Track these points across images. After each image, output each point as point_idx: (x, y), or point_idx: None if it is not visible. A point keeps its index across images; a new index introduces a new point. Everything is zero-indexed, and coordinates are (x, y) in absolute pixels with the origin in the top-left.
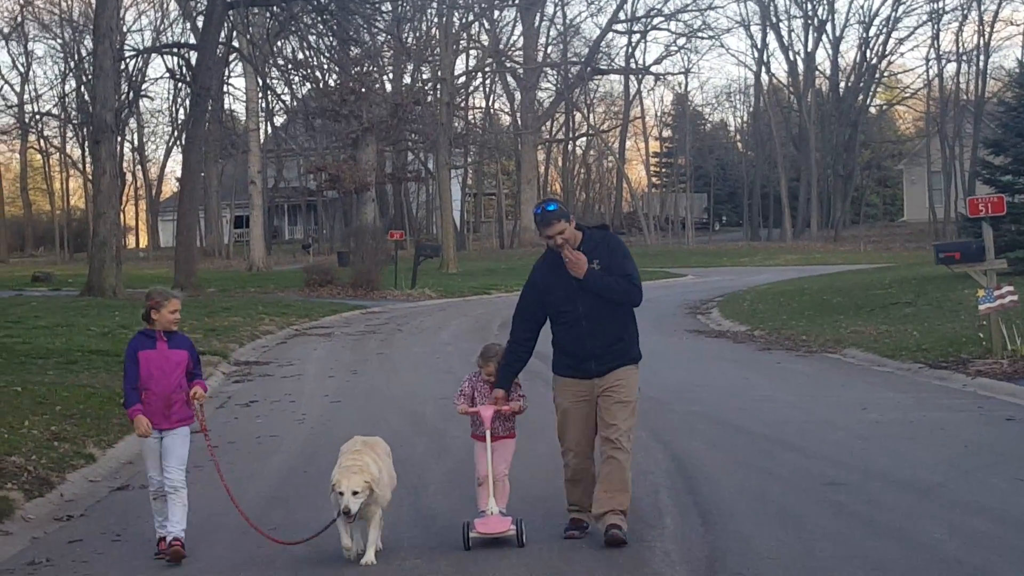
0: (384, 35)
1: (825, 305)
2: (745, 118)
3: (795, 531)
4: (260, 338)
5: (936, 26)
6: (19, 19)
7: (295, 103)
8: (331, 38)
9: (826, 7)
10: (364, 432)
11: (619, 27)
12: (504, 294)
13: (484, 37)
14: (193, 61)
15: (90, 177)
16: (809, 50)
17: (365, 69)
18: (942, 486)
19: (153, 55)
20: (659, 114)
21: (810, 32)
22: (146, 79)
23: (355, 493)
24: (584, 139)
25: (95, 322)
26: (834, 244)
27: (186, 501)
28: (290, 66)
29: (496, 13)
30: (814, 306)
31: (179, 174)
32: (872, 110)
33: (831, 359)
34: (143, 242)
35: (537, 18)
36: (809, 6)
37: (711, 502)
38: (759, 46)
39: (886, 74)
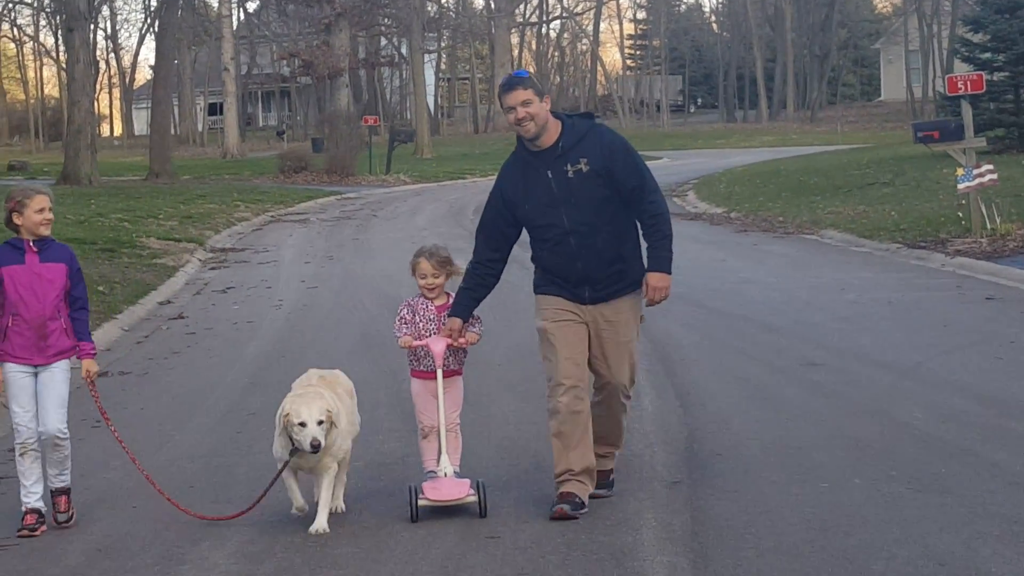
0: None
1: (802, 186)
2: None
3: (774, 412)
4: (235, 225)
5: None
6: None
7: None
8: None
9: None
10: (341, 315)
11: None
12: (479, 178)
13: None
14: None
15: (64, 66)
16: None
17: None
18: (921, 365)
19: None
20: None
21: None
22: None
23: (320, 423)
24: (558, 22)
25: (71, 210)
26: (811, 125)
27: (68, 451)
28: None
29: None
30: (791, 187)
31: (152, 62)
32: None
33: (808, 240)
34: (117, 130)
35: None
36: None
37: (689, 384)
38: None
39: None
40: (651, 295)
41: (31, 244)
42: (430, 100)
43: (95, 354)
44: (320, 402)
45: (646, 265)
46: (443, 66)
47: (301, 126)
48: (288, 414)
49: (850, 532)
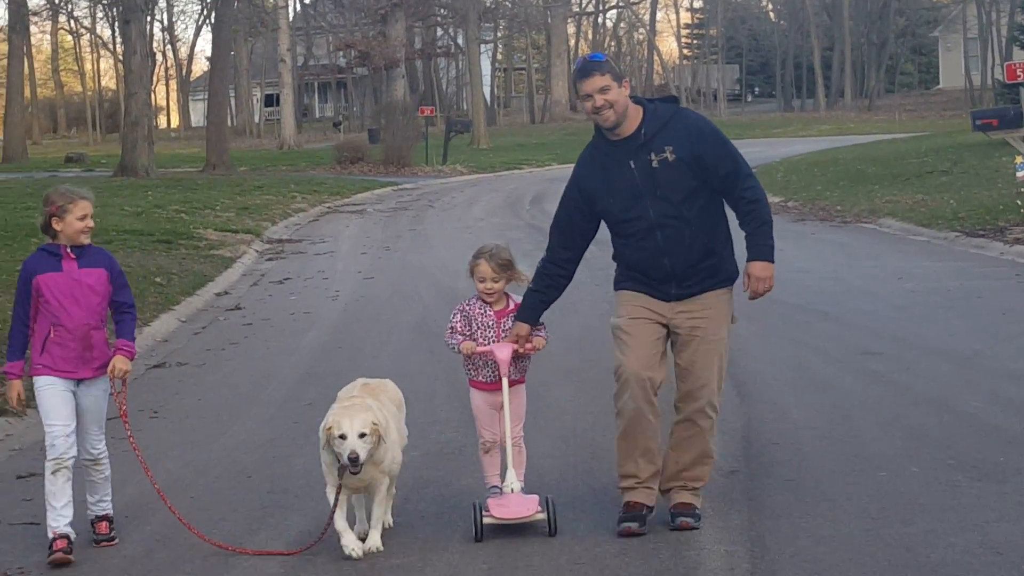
0: None
1: (860, 175)
2: None
3: (832, 401)
4: (292, 216)
5: None
6: None
7: None
8: None
9: None
10: (397, 306)
11: None
12: (536, 169)
13: None
14: None
15: (121, 58)
16: None
17: None
18: (980, 354)
19: None
20: None
21: None
22: None
23: (362, 435)
24: (614, 12)
25: (129, 202)
26: (868, 114)
27: (109, 471)
28: None
29: None
30: (848, 176)
31: (209, 53)
32: None
33: (866, 229)
34: (174, 122)
35: None
36: None
37: (745, 373)
38: None
39: None
40: (754, 286)
41: (68, 250)
42: (486, 90)
43: (133, 356)
44: (365, 415)
45: (747, 255)
46: (499, 56)
47: (357, 117)
48: (330, 427)
49: (908, 521)
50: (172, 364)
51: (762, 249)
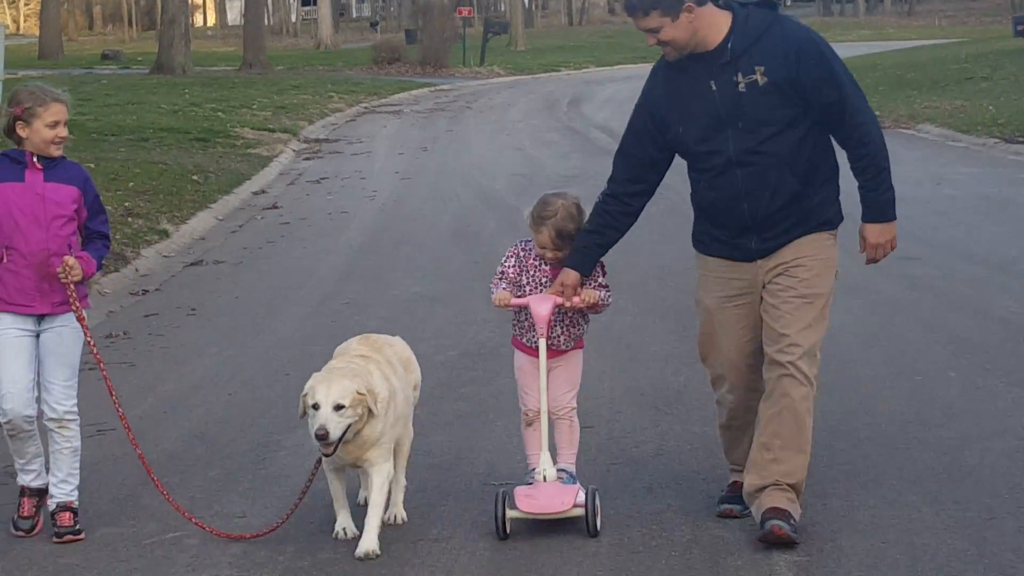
0: None
1: (899, 80)
2: None
3: (870, 305)
4: (329, 116)
5: None
6: None
7: None
8: None
9: None
10: (434, 207)
11: None
12: (573, 71)
13: None
14: None
15: None
16: None
17: None
18: (1018, 260)
19: None
20: None
21: None
22: None
23: (338, 408)
24: None
25: (165, 99)
26: (908, 19)
27: (78, 442)
28: None
29: None
30: (888, 82)
31: None
32: None
33: (905, 135)
34: (211, 20)
35: None
36: None
37: None
38: None
39: None
40: (871, 254)
41: (35, 159)
42: None
43: (90, 271)
44: (347, 382)
45: (861, 213)
46: None
47: (395, 17)
48: (306, 393)
49: (944, 424)
50: (209, 262)
51: (880, 206)
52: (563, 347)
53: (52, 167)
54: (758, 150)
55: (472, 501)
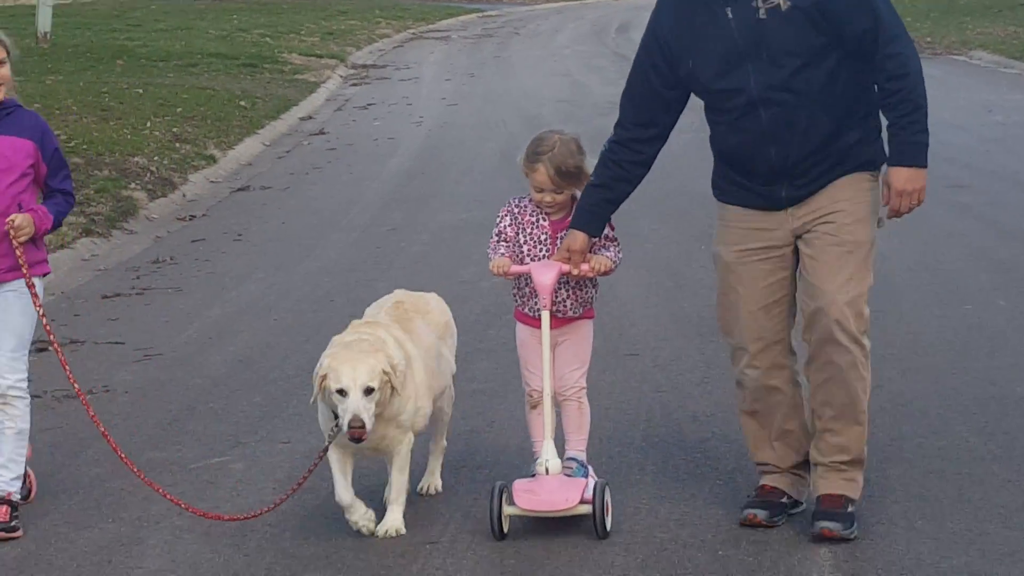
0: None
1: (951, 6)
2: None
3: (919, 234)
4: (377, 42)
5: None
6: None
7: None
8: None
9: None
10: (481, 133)
11: None
12: None
13: None
14: None
15: None
16: None
17: None
18: None
19: None
20: None
21: None
22: None
23: (368, 391)
24: None
25: (213, 25)
26: None
27: (25, 424)
28: None
29: None
30: (939, 7)
31: None
32: None
33: (957, 61)
34: None
35: None
36: None
37: None
38: None
39: None
40: (895, 203)
41: None
42: None
43: (43, 228)
44: (372, 359)
45: (888, 155)
46: None
47: None
48: (324, 376)
49: (993, 353)
50: (256, 188)
51: (910, 149)
52: (571, 313)
53: (4, 117)
54: (784, 86)
55: (519, 434)
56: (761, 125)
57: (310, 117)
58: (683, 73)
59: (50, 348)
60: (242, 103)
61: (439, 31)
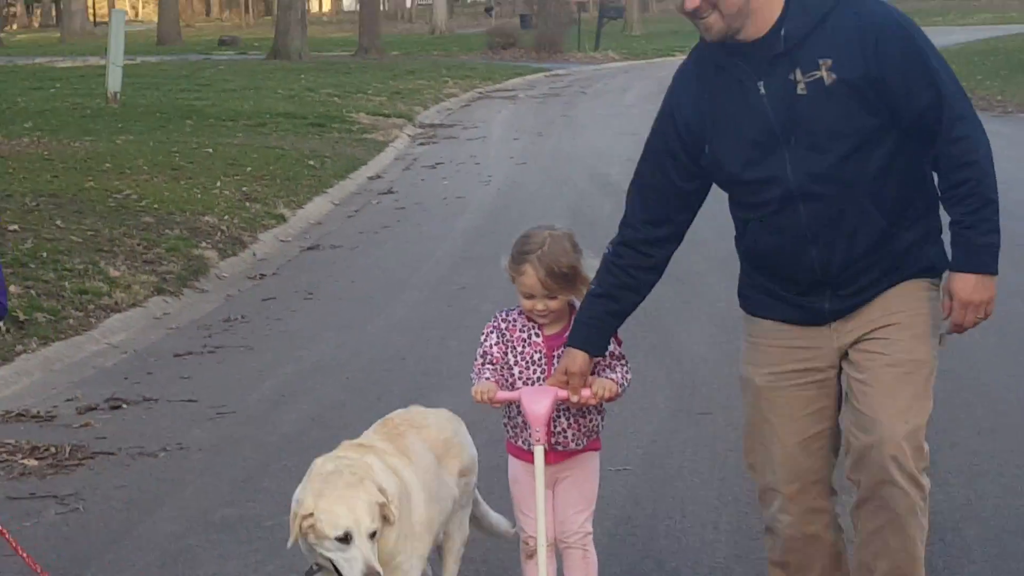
0: None
1: (1021, 64)
2: None
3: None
4: (444, 101)
5: None
6: None
7: None
8: None
9: None
10: (550, 192)
11: None
12: None
13: None
14: None
15: None
16: None
17: None
18: None
19: None
20: None
21: None
22: None
23: (373, 535)
24: None
25: (282, 85)
26: None
27: None
28: None
29: None
30: (1010, 65)
31: None
32: None
33: None
34: (326, 6)
35: None
36: None
37: None
38: None
39: None
40: (958, 316)
41: None
42: None
43: None
44: (364, 495)
45: (951, 257)
46: None
47: (509, 2)
48: (310, 515)
49: None
50: (325, 246)
51: (977, 251)
52: (573, 446)
53: None
54: (828, 176)
55: None
56: (800, 223)
57: (378, 176)
58: (705, 160)
59: (123, 406)
60: (311, 162)
61: (506, 90)
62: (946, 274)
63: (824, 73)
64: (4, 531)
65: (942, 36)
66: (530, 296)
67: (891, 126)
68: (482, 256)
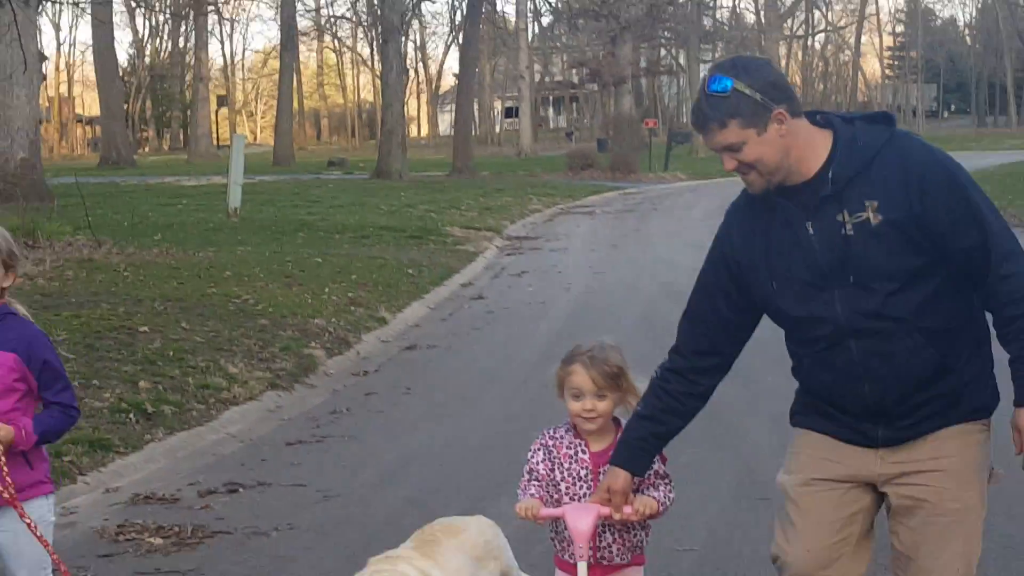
0: None
1: None
2: (974, 14)
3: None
4: (529, 216)
5: None
6: None
7: (560, 4)
8: None
9: None
10: (624, 297)
11: None
12: None
13: None
14: None
15: (378, 73)
16: None
17: None
18: None
19: None
20: (892, 11)
21: None
22: None
23: None
24: (822, 35)
25: (384, 201)
26: None
27: None
28: None
29: None
30: None
31: (456, 70)
32: None
33: None
34: (424, 131)
35: None
36: None
37: None
38: None
39: None
40: None
41: None
42: None
43: (27, 441)
44: None
45: (1014, 394)
46: None
47: (588, 128)
48: None
49: None
50: (422, 346)
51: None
52: (617, 560)
53: None
54: (877, 313)
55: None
56: (852, 359)
57: (470, 283)
58: (758, 295)
59: (240, 490)
60: (409, 271)
61: (585, 207)
62: (998, 409)
63: (870, 214)
64: None
65: (976, 159)
66: (578, 396)
67: (938, 264)
68: (562, 356)
